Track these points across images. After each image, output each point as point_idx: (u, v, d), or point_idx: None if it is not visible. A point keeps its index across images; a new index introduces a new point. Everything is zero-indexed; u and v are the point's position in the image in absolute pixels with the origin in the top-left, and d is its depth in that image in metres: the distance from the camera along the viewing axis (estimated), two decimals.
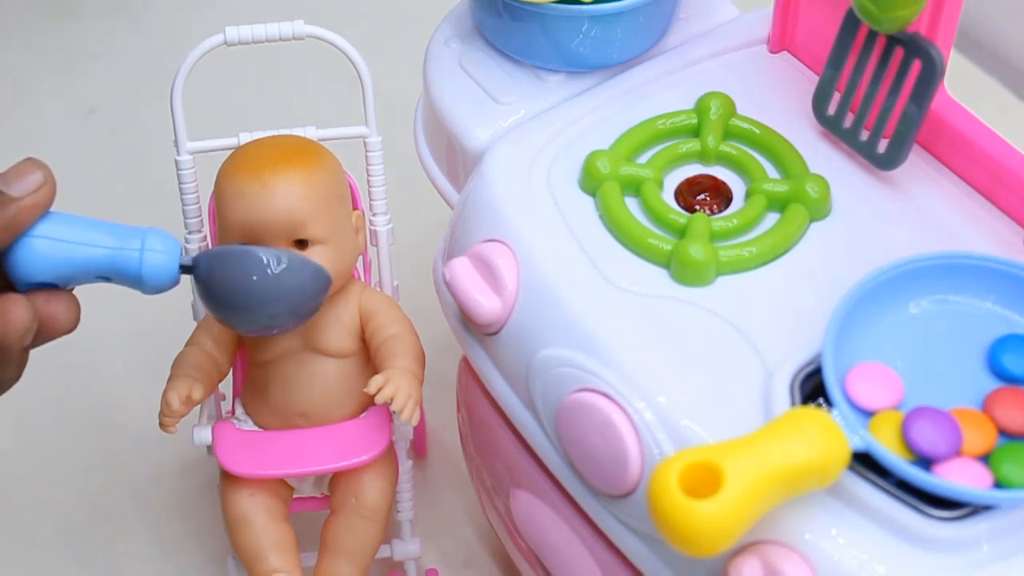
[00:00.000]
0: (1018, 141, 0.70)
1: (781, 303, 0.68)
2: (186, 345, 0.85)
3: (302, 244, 0.80)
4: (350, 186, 0.85)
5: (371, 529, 0.86)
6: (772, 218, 0.71)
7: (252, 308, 0.74)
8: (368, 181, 0.87)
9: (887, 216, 0.71)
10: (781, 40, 0.79)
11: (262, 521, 0.85)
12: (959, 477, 0.59)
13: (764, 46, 0.80)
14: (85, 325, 1.09)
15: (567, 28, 0.76)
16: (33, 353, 1.07)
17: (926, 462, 0.60)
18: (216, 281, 0.74)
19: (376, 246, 0.88)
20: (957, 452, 0.60)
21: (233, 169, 0.81)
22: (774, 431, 0.58)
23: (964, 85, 0.79)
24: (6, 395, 1.05)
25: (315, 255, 0.80)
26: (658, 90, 0.77)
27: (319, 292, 0.76)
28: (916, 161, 0.72)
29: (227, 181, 0.81)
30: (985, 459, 0.60)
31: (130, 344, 1.07)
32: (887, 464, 0.59)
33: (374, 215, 0.87)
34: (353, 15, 1.24)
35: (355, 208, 0.85)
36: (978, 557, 0.59)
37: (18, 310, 0.66)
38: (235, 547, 0.86)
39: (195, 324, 0.87)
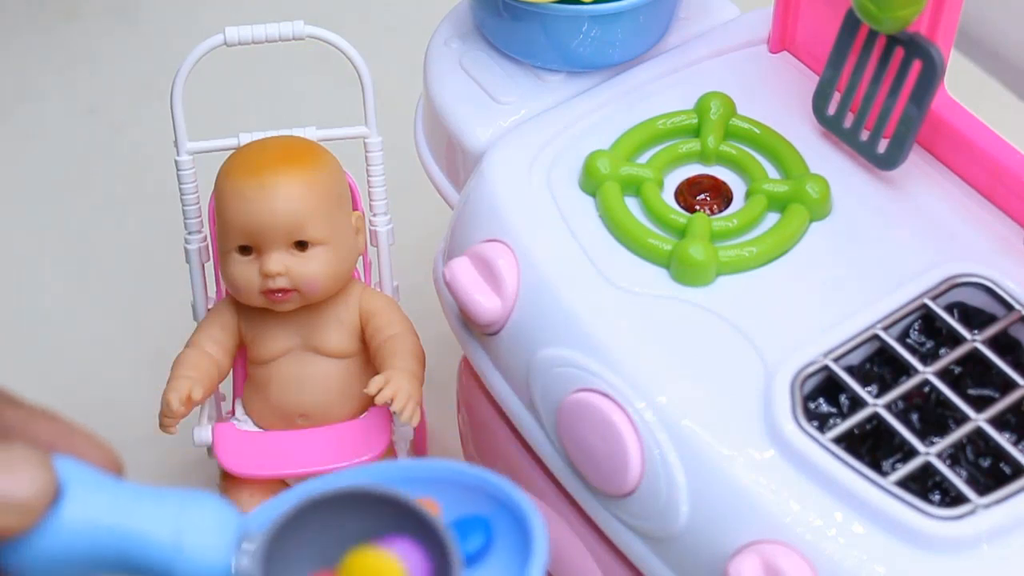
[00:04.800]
0: (1018, 141, 0.70)
1: (781, 303, 0.68)
2: (186, 346, 0.85)
3: (302, 245, 0.80)
4: (350, 186, 0.85)
5: None
6: (772, 218, 0.71)
7: None
8: (368, 181, 0.87)
9: (887, 216, 0.71)
10: (781, 40, 0.79)
11: None
12: None
13: (764, 46, 0.80)
14: (85, 325, 1.09)
15: (567, 28, 0.76)
16: (33, 353, 1.08)
17: None
18: None
19: (376, 246, 0.88)
20: None
21: (233, 170, 0.81)
22: None
23: (964, 85, 0.79)
24: None
25: (315, 256, 0.80)
26: (658, 90, 0.77)
27: None
28: (916, 161, 0.72)
29: (227, 182, 0.81)
30: None
31: (130, 344, 1.07)
32: None
33: (374, 215, 0.87)
34: (353, 15, 1.24)
35: (355, 208, 0.85)
36: (978, 557, 0.59)
37: None
38: None
39: (195, 324, 0.87)
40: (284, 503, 0.49)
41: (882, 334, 0.66)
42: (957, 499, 0.61)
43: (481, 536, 0.53)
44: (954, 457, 0.63)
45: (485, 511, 0.54)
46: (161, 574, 0.47)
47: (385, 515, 0.50)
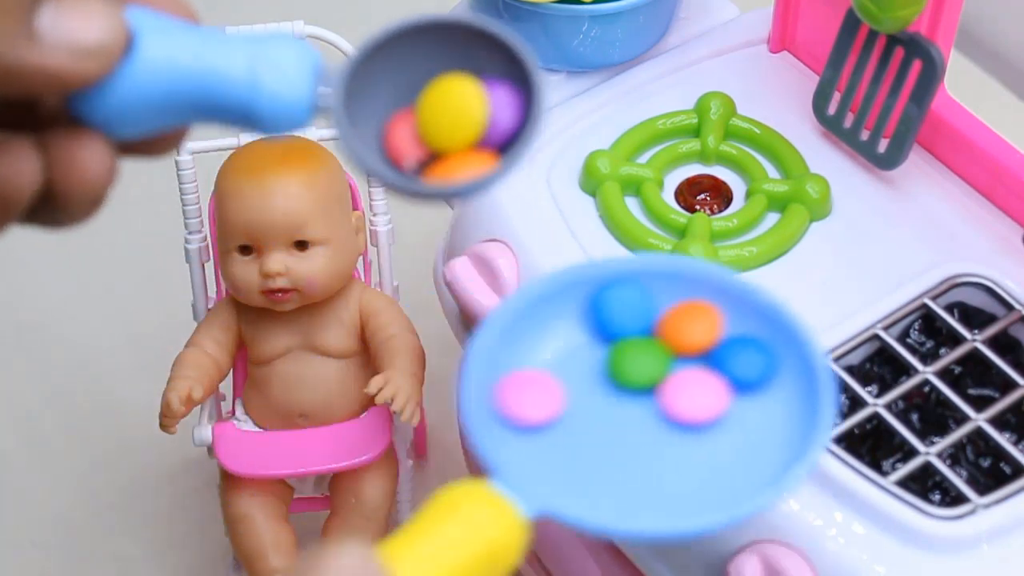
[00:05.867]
0: (1018, 141, 0.70)
1: None
2: (186, 346, 0.85)
3: (302, 245, 0.80)
4: (350, 186, 0.85)
5: (371, 529, 0.86)
6: (772, 218, 0.71)
7: None
8: (368, 181, 0.87)
9: (887, 216, 0.71)
10: (781, 40, 0.79)
11: (262, 521, 0.85)
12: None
13: (764, 46, 0.80)
14: (85, 325, 1.09)
15: (567, 28, 0.76)
16: (33, 353, 1.08)
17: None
18: None
19: (376, 246, 0.88)
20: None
21: (233, 170, 0.81)
22: (427, 525, 0.47)
23: (964, 85, 0.79)
24: (6, 395, 1.06)
25: (315, 255, 0.80)
26: (658, 90, 0.77)
27: None
28: (916, 161, 0.72)
29: (227, 182, 0.81)
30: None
31: (130, 344, 1.07)
32: (570, 523, 0.48)
33: (374, 215, 0.87)
34: (353, 15, 1.24)
35: (355, 208, 0.85)
36: (978, 557, 0.59)
37: (23, 161, 0.45)
38: (235, 547, 0.86)
39: (195, 324, 0.87)
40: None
41: (882, 334, 0.66)
42: (957, 499, 0.61)
43: (760, 361, 0.50)
44: (954, 457, 0.63)
45: (771, 341, 0.50)
46: (241, 113, 0.45)
47: (479, 58, 0.46)
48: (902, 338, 0.67)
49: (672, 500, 0.49)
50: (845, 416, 0.64)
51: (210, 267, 0.88)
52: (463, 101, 0.45)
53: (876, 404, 0.64)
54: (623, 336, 0.52)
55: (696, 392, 0.50)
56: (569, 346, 0.53)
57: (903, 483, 0.61)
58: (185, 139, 0.49)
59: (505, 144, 0.45)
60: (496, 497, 0.47)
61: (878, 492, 0.60)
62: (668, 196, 0.72)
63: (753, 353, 0.51)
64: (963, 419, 0.63)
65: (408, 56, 0.47)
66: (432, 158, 0.46)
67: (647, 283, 0.53)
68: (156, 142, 0.49)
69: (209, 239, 0.87)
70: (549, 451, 0.51)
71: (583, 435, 0.51)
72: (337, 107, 0.45)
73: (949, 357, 0.65)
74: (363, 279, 0.89)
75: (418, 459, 1.00)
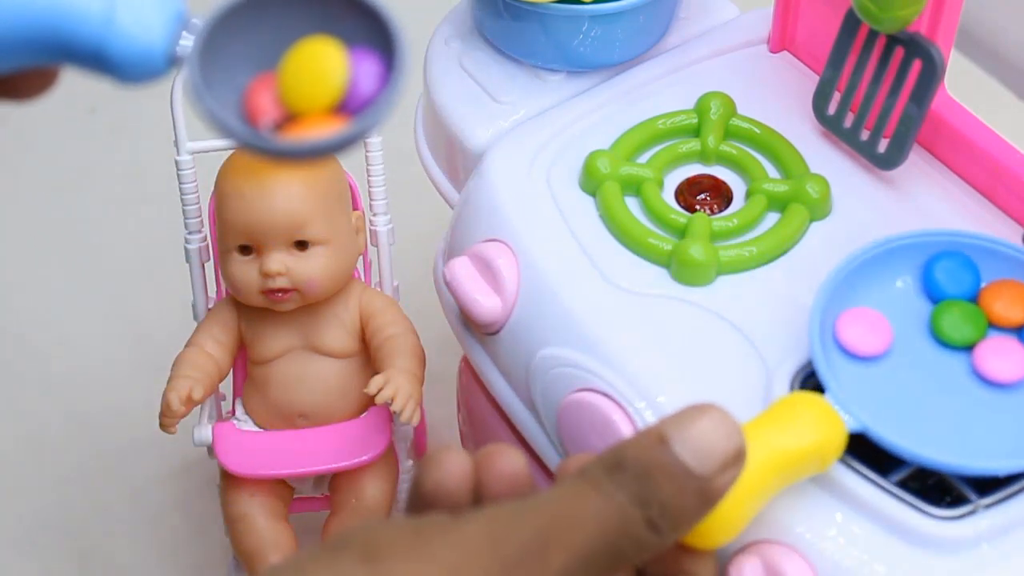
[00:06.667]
0: (1018, 141, 0.70)
1: (781, 303, 0.68)
2: (186, 346, 0.85)
3: (302, 245, 0.80)
4: (350, 186, 0.85)
5: None
6: (772, 218, 0.71)
7: None
8: (368, 181, 0.87)
9: (887, 216, 0.71)
10: (781, 40, 0.79)
11: (262, 521, 0.85)
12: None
13: (764, 46, 0.80)
14: (85, 325, 1.09)
15: (567, 28, 0.76)
16: (33, 353, 1.08)
17: None
18: None
19: (376, 246, 0.88)
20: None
21: (233, 170, 0.81)
22: (772, 418, 0.58)
23: (964, 85, 0.79)
24: (7, 396, 1.06)
25: (315, 255, 0.81)
26: (658, 90, 0.77)
27: None
28: (916, 161, 0.72)
29: (227, 182, 0.81)
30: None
31: (130, 345, 1.07)
32: (884, 444, 0.59)
33: (374, 215, 0.87)
34: None
35: (355, 208, 0.85)
36: (978, 556, 0.59)
37: None
38: (235, 547, 0.86)
39: (195, 324, 0.87)
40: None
41: None
42: (957, 499, 0.61)
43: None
44: None
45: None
46: (92, 54, 0.44)
47: (347, 25, 0.45)
48: None
49: (973, 441, 0.60)
50: None
51: (210, 267, 0.88)
52: (322, 63, 0.45)
53: None
54: (948, 298, 0.64)
55: (1006, 357, 0.62)
56: (903, 298, 0.64)
57: (903, 483, 0.61)
58: (53, 85, 0.46)
59: (367, 109, 0.45)
60: (828, 407, 0.58)
61: (878, 492, 0.60)
62: (668, 196, 0.72)
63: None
64: None
65: (278, 18, 0.46)
66: (289, 120, 0.45)
67: (976, 257, 0.64)
68: (21, 84, 0.47)
69: (209, 239, 0.87)
70: (873, 380, 0.62)
71: (902, 374, 0.62)
72: (192, 57, 0.44)
73: None
74: (363, 279, 0.89)
75: (418, 459, 1.00)
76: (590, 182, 0.72)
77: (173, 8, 0.44)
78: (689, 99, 0.76)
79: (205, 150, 0.85)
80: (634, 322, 0.68)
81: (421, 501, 0.51)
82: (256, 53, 0.46)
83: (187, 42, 0.44)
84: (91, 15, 0.43)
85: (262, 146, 0.45)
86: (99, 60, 0.44)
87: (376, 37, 0.45)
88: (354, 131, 0.45)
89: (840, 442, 0.58)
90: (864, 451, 0.63)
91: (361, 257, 0.87)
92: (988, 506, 0.60)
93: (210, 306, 0.87)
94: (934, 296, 0.64)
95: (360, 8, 0.45)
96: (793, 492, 0.61)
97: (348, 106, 0.45)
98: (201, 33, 0.45)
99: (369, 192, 0.87)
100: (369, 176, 0.86)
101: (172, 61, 0.44)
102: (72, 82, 0.54)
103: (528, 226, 0.72)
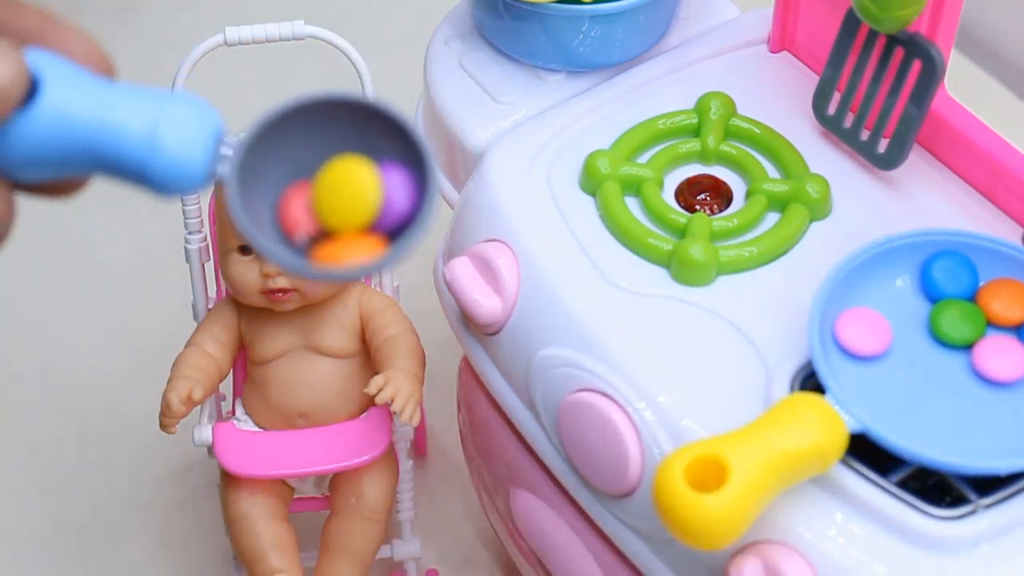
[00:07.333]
0: (1018, 141, 0.70)
1: (781, 303, 0.68)
2: (186, 346, 0.85)
3: None
4: None
5: (372, 529, 0.86)
6: (772, 218, 0.71)
7: None
8: None
9: (887, 216, 0.71)
10: (781, 40, 0.79)
11: (262, 521, 0.85)
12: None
13: (764, 46, 0.80)
14: (85, 325, 1.09)
15: (567, 28, 0.76)
16: (33, 353, 1.08)
17: None
18: None
19: None
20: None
21: None
22: (773, 419, 0.58)
23: (964, 85, 0.79)
24: (6, 395, 1.06)
25: None
26: (658, 90, 0.77)
27: None
28: (916, 161, 0.72)
29: None
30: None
31: (130, 345, 1.07)
32: (884, 444, 0.59)
33: None
34: (353, 15, 1.24)
35: None
36: (978, 556, 0.59)
37: None
38: (235, 547, 0.86)
39: (195, 324, 0.87)
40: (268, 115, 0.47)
41: None
42: (957, 499, 0.61)
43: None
44: None
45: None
46: (134, 172, 0.45)
47: (376, 137, 0.47)
48: None
49: (973, 441, 0.60)
50: None
51: (210, 267, 0.88)
52: (358, 185, 0.46)
53: None
54: (946, 297, 0.64)
55: (1005, 356, 0.62)
56: (901, 297, 0.64)
57: (903, 483, 0.61)
58: (86, 186, 0.48)
59: (398, 226, 0.47)
60: (828, 408, 0.58)
61: (878, 492, 0.60)
62: (668, 196, 0.72)
63: None
64: None
65: (310, 128, 0.47)
66: (323, 234, 0.47)
67: (974, 256, 0.64)
68: (58, 186, 0.48)
69: (209, 239, 0.87)
70: (873, 380, 0.62)
71: (902, 373, 0.62)
72: (232, 178, 0.46)
73: None
74: (363, 279, 0.89)
75: (418, 459, 1.00)
76: (590, 182, 0.72)
77: (212, 125, 0.45)
78: (689, 99, 0.76)
79: None
80: (634, 322, 0.68)
81: None
82: (287, 163, 0.47)
83: (226, 154, 0.46)
84: (135, 136, 0.44)
85: (304, 272, 0.46)
86: (140, 177, 0.45)
87: (401, 147, 0.47)
88: (392, 257, 0.46)
89: (841, 442, 0.59)
90: (864, 451, 0.63)
91: None
92: (988, 506, 0.60)
93: (210, 306, 0.87)
94: (932, 296, 0.65)
95: (386, 122, 0.47)
96: (793, 492, 0.61)
97: (381, 223, 0.47)
98: (238, 151, 0.46)
99: None
100: None
101: (210, 178, 0.46)
102: None
103: (528, 226, 0.72)
